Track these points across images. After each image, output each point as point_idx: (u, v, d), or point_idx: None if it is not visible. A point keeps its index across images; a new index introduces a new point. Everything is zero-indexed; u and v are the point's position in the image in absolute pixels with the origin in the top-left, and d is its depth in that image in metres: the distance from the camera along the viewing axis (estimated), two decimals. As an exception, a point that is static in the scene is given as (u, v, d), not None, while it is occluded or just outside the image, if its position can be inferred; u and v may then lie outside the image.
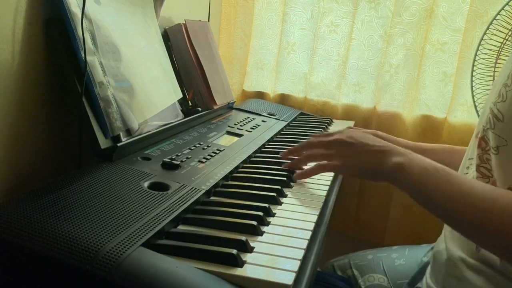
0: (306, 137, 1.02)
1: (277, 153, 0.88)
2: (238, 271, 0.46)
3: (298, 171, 0.74)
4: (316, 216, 0.61)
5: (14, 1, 0.61)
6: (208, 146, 0.82)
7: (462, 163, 0.69)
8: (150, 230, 0.49)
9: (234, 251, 0.47)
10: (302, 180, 0.74)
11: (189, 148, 0.79)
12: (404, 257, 0.88)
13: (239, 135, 0.95)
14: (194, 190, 0.63)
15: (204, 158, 0.75)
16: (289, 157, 0.79)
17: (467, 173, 0.64)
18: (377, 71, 1.30)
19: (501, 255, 0.54)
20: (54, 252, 0.43)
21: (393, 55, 1.27)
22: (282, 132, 1.08)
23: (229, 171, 0.73)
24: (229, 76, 1.41)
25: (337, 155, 0.68)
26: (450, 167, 0.92)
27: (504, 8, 1.09)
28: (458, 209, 0.53)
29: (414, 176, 0.59)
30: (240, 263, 0.47)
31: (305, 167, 0.76)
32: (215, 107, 1.04)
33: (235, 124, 1.02)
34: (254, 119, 1.11)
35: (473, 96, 1.17)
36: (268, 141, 0.97)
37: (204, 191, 0.64)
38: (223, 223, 0.56)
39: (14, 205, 0.50)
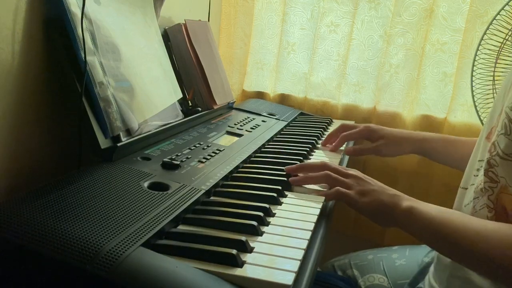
0: (306, 137, 1.02)
1: (277, 153, 0.89)
2: (238, 271, 0.46)
3: (320, 193, 0.70)
4: (316, 216, 0.61)
5: (14, 1, 0.61)
6: (208, 146, 0.82)
7: (470, 164, 0.68)
8: (150, 230, 0.49)
9: (234, 251, 0.47)
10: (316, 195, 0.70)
11: (189, 148, 0.79)
12: (404, 257, 0.88)
13: (239, 135, 0.95)
14: (194, 190, 0.63)
15: (204, 158, 0.75)
16: (304, 171, 0.74)
17: (476, 175, 0.64)
18: (377, 71, 1.30)
19: None
20: (54, 252, 0.43)
21: (393, 55, 1.27)
22: (282, 132, 1.08)
23: (229, 171, 0.73)
24: (229, 76, 1.41)
25: (355, 187, 0.68)
26: (447, 159, 0.92)
27: (504, 8, 1.09)
28: (481, 251, 0.53)
29: (426, 220, 0.59)
30: (240, 263, 0.47)
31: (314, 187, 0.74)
32: (215, 107, 1.04)
33: (235, 124, 1.02)
34: (254, 119, 1.11)
35: (473, 96, 1.17)
36: (268, 141, 0.97)
37: (204, 191, 0.64)
38: (223, 223, 0.56)
39: (14, 205, 0.50)
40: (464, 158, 0.86)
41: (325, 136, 1.03)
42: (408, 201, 0.63)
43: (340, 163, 0.91)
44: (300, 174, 0.74)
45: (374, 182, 0.69)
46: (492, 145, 0.59)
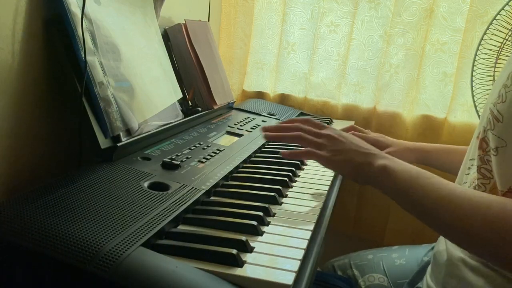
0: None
1: (277, 153, 0.88)
2: (238, 271, 0.46)
3: (285, 151, 0.72)
4: (316, 216, 0.61)
5: (14, 1, 0.61)
6: (208, 146, 0.82)
7: (463, 164, 0.69)
8: (150, 230, 0.49)
9: (234, 251, 0.47)
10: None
11: (189, 148, 0.79)
12: (404, 257, 0.88)
13: (239, 135, 0.95)
14: (194, 190, 0.63)
15: (204, 158, 0.75)
16: (279, 131, 0.74)
17: (468, 174, 0.64)
18: (377, 71, 1.30)
19: (490, 260, 0.54)
20: (54, 252, 0.43)
21: (393, 55, 1.27)
22: (282, 132, 1.08)
23: (229, 171, 0.73)
24: (229, 76, 1.41)
25: (327, 147, 0.68)
26: (450, 167, 0.93)
27: (504, 8, 1.09)
28: (445, 213, 0.53)
29: (398, 179, 0.60)
30: (240, 263, 0.47)
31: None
32: (215, 107, 1.04)
33: (235, 124, 1.02)
34: (254, 119, 1.11)
35: (473, 96, 1.17)
36: (268, 141, 0.97)
37: (204, 191, 0.64)
38: (223, 223, 0.56)
39: (14, 205, 0.50)
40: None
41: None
42: (382, 160, 0.63)
43: None
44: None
45: (349, 139, 0.68)
46: (483, 142, 0.59)
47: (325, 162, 0.67)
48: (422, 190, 0.57)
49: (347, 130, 0.96)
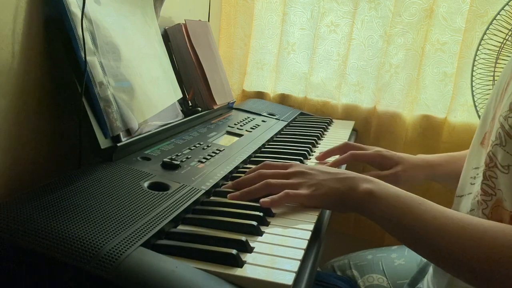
0: (306, 137, 1.02)
1: (277, 153, 0.89)
2: (238, 271, 0.46)
3: (265, 199, 0.61)
4: (316, 216, 0.61)
5: (14, 1, 0.61)
6: (208, 146, 0.82)
7: (464, 170, 0.66)
8: (150, 230, 0.49)
9: (234, 251, 0.47)
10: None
11: (189, 148, 0.79)
12: (403, 257, 0.88)
13: (239, 135, 0.95)
14: (194, 190, 0.63)
15: (204, 158, 0.75)
16: (242, 188, 0.65)
17: (473, 184, 0.61)
18: (377, 71, 1.30)
19: None
20: (54, 252, 0.43)
21: (393, 55, 1.27)
22: (282, 132, 1.08)
23: (229, 171, 0.73)
24: (229, 76, 1.41)
25: (302, 185, 0.62)
26: (457, 177, 0.85)
27: (504, 8, 1.09)
28: (440, 242, 0.51)
29: (387, 205, 0.56)
30: (240, 263, 0.47)
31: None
32: (215, 107, 1.04)
33: (235, 124, 1.02)
34: (254, 119, 1.11)
35: (473, 96, 1.17)
36: (268, 141, 0.97)
37: (204, 191, 0.64)
38: (223, 223, 0.56)
39: (14, 205, 0.50)
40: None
41: (325, 136, 1.03)
42: (365, 184, 0.58)
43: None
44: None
45: (319, 170, 0.63)
46: (487, 156, 0.56)
47: (308, 200, 0.61)
48: (416, 218, 0.53)
49: (341, 148, 0.87)
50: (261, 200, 0.60)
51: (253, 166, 0.72)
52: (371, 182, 0.59)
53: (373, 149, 0.87)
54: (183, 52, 1.00)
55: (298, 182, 0.62)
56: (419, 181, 0.86)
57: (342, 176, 0.61)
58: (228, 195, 0.64)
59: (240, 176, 0.71)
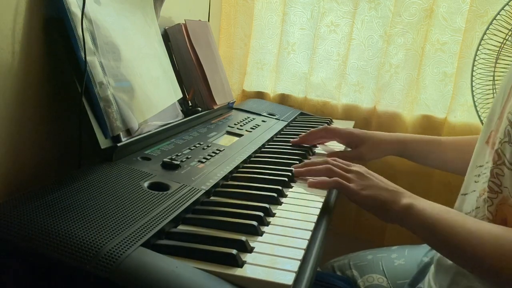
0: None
1: (277, 153, 0.89)
2: (238, 271, 0.46)
3: (312, 179, 0.73)
4: (316, 216, 0.61)
5: (14, 1, 0.61)
6: (208, 146, 0.82)
7: (469, 170, 0.67)
8: (150, 230, 0.49)
9: (234, 251, 0.47)
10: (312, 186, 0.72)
11: (189, 148, 0.79)
12: (403, 257, 0.88)
13: (239, 135, 0.95)
14: (194, 190, 0.63)
15: (204, 158, 0.75)
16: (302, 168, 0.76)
17: (477, 182, 0.63)
18: (377, 71, 1.30)
19: None
20: (54, 252, 0.43)
21: (393, 55, 1.27)
22: (282, 132, 1.08)
23: (229, 171, 0.73)
24: (229, 76, 1.41)
25: (355, 182, 0.69)
26: (427, 159, 0.92)
27: (504, 8, 1.09)
28: (478, 253, 0.53)
29: (425, 217, 0.59)
30: (240, 263, 0.47)
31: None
32: (215, 107, 1.04)
33: (235, 124, 1.02)
34: (254, 119, 1.11)
35: (473, 96, 1.17)
36: (268, 141, 0.97)
37: (204, 191, 0.64)
38: (223, 223, 0.56)
39: (14, 205, 0.50)
40: (440, 158, 0.86)
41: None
42: (407, 198, 0.63)
43: None
44: None
45: (377, 178, 0.69)
46: (495, 154, 0.58)
47: (352, 194, 0.67)
48: (450, 228, 0.57)
49: (319, 129, 0.94)
50: (309, 181, 0.72)
51: (252, 166, 0.74)
52: (413, 198, 0.64)
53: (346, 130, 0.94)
54: (183, 52, 1.00)
55: (353, 178, 0.69)
56: (384, 156, 0.92)
57: (392, 188, 0.66)
58: (293, 166, 0.77)
59: (240, 176, 0.74)
